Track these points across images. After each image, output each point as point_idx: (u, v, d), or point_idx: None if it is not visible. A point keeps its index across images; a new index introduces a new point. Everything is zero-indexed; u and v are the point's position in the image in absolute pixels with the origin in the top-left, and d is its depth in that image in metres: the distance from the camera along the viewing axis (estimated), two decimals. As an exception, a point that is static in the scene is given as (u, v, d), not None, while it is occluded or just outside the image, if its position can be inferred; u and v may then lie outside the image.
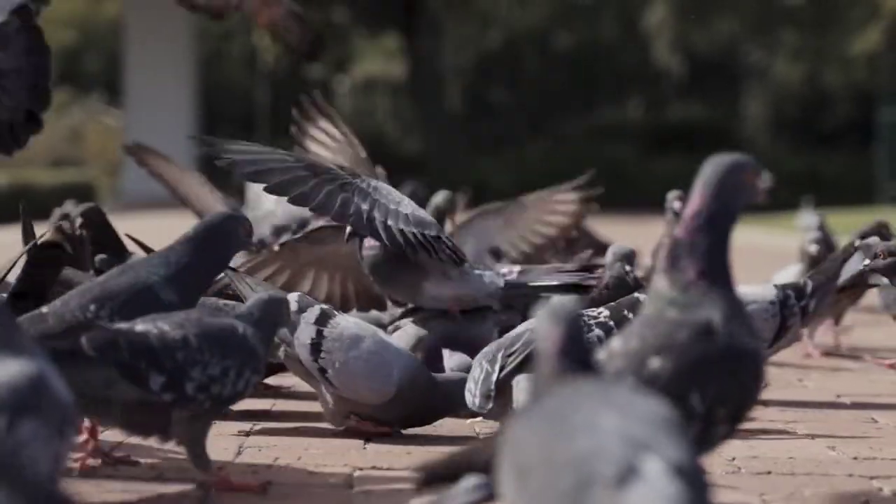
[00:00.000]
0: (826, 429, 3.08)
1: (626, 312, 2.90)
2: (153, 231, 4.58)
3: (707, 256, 1.91)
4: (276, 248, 3.64)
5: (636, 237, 5.75)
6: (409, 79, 28.62)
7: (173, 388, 2.18)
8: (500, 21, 29.99)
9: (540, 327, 1.65)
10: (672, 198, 4.55)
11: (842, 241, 4.98)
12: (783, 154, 25.54)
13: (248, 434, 2.86)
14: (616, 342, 1.93)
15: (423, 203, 4.17)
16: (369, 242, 3.28)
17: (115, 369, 2.16)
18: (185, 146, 25.97)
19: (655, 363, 1.86)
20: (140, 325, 2.22)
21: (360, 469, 2.51)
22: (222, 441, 2.74)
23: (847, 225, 13.15)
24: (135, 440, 2.72)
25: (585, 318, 2.88)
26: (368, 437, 2.84)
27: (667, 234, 4.29)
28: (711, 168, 1.94)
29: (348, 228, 3.26)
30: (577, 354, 1.62)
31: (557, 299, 1.66)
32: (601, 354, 1.89)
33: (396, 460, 2.60)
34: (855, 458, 2.76)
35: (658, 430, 1.46)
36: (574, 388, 1.57)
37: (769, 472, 2.60)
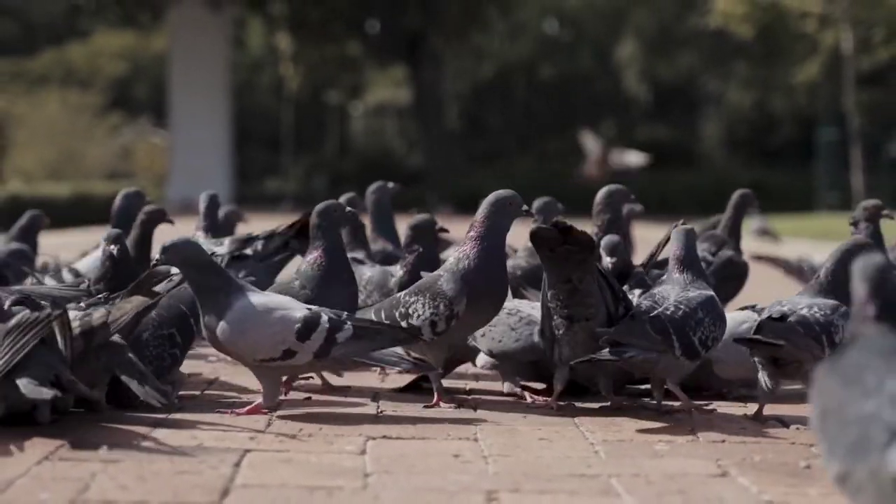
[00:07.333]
0: (774, 406, 3.08)
1: None
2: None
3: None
4: None
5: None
6: (413, 103, 28.62)
7: None
8: (492, 54, 30.01)
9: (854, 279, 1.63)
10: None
11: (784, 239, 5.05)
12: (736, 168, 25.55)
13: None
14: None
15: (386, 209, 4.07)
16: None
17: None
18: (221, 161, 25.72)
19: None
20: None
21: (373, 438, 2.52)
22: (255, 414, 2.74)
23: (790, 228, 13.17)
24: (178, 415, 2.72)
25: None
26: (381, 411, 2.85)
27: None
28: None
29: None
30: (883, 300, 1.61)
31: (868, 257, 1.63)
32: None
33: (403, 430, 2.61)
34: (797, 429, 2.76)
35: None
36: (873, 344, 1.60)
37: (723, 441, 2.61)
